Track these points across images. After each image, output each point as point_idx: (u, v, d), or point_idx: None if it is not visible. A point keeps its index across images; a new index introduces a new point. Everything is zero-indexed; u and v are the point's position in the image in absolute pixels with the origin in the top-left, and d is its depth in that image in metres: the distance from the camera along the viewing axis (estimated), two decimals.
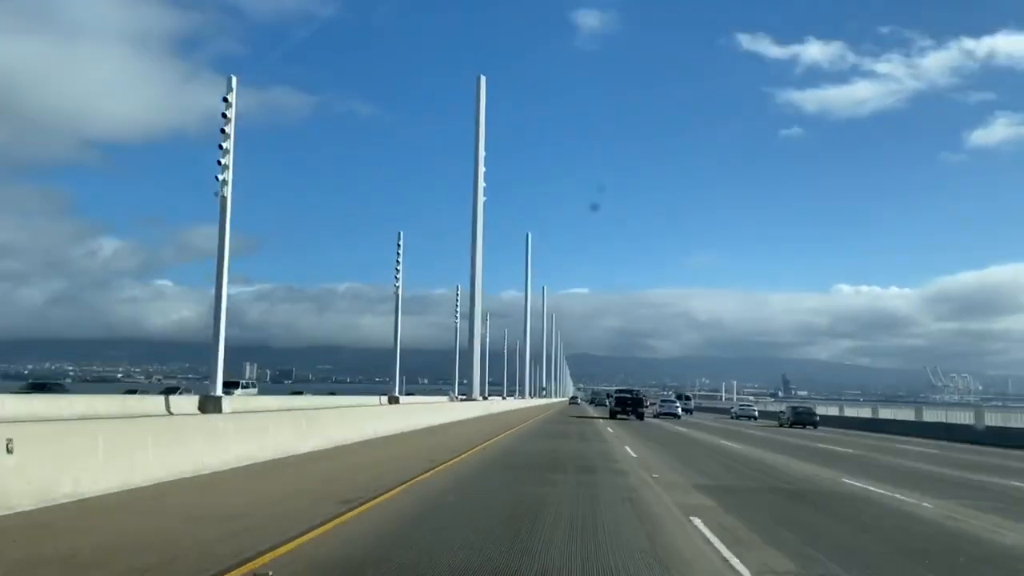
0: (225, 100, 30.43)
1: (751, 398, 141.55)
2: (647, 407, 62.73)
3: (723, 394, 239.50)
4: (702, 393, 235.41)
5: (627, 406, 54.41)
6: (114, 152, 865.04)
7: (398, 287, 54.66)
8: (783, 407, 66.81)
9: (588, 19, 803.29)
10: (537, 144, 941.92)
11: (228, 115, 30.47)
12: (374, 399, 51.76)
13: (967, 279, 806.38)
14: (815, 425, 53.09)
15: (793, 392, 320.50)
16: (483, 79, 54.69)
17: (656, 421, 55.00)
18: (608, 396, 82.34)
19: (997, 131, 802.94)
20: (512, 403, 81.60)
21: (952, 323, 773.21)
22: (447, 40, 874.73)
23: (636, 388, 69.94)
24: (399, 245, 52.38)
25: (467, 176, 53.31)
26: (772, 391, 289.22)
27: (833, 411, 68.03)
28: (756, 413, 79.54)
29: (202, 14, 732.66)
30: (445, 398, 64.20)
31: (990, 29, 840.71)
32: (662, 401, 77.08)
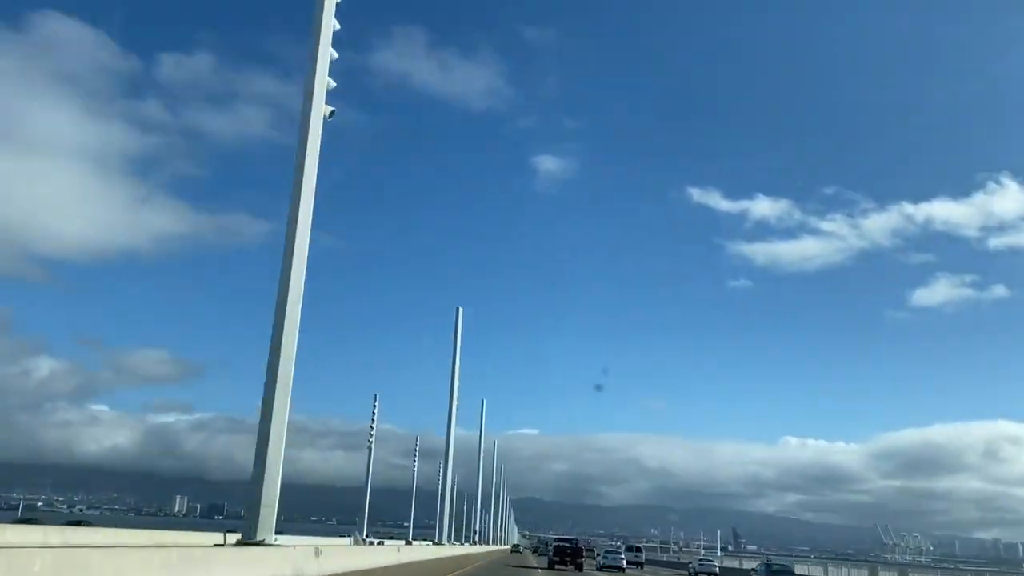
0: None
1: (713, 553, 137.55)
2: (587, 557, 61.72)
3: (672, 545, 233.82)
4: (651, 544, 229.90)
5: (566, 556, 52.49)
6: (60, 270, 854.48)
7: (371, 441, 53.88)
8: (756, 564, 58.85)
9: (547, 164, 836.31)
10: (479, 286, 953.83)
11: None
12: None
13: (911, 436, 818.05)
14: None
15: (743, 546, 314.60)
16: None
17: (599, 574, 55.14)
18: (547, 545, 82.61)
19: (939, 291, 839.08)
20: (421, 552, 71.07)
21: (896, 480, 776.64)
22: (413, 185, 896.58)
23: (575, 538, 77.33)
24: (374, 407, 52.01)
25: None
26: (723, 545, 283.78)
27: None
28: (717, 569, 73.68)
29: (164, 136, 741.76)
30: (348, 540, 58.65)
31: (927, 196, 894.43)
32: (606, 552, 74.86)
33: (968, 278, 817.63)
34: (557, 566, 51.77)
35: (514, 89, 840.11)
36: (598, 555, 76.75)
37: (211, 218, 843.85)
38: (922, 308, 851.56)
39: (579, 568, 52.02)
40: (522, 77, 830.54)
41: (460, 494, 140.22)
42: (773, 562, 57.27)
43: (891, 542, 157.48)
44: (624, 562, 66.20)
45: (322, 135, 24.70)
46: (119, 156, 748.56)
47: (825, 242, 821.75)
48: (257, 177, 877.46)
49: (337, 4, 25.08)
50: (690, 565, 78.66)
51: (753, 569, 56.59)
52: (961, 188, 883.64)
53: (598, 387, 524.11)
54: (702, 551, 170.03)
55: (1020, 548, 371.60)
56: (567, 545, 55.37)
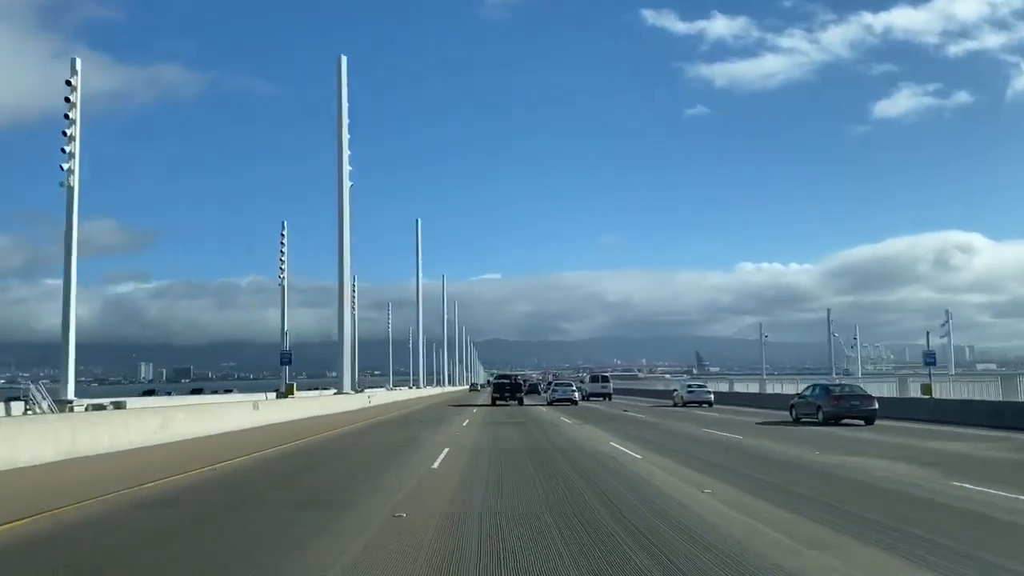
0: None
1: (679, 378, 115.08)
2: (526, 392, 61.59)
3: (638, 372, 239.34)
4: (617, 373, 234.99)
5: (506, 392, 55.03)
6: None
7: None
8: (802, 389, 35.92)
9: None
10: (441, 124, 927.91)
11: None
12: (259, 396, 49.05)
13: (864, 252, 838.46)
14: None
15: (707, 369, 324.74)
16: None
17: (545, 412, 43.28)
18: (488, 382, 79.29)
19: (901, 101, 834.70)
20: (394, 395, 74.37)
21: (849, 296, 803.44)
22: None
23: (515, 374, 69.34)
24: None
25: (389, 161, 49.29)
26: (687, 368, 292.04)
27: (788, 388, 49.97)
28: (713, 398, 51.52)
29: None
30: (330, 392, 58.33)
31: (887, 3, 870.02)
32: (555, 384, 64.89)
33: (931, 87, 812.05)
34: (498, 402, 54.17)
35: None
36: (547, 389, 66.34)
37: (139, 70, 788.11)
38: (884, 120, 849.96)
39: (520, 403, 54.05)
40: None
41: (428, 342, 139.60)
42: (834, 384, 37.04)
43: (854, 354, 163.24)
44: (578, 395, 57.51)
45: None
46: (26, 6, 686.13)
47: (786, 58, 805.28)
48: (182, 19, 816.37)
49: None
50: (676, 394, 54.46)
51: (800, 395, 34.80)
52: None
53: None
54: (668, 375, 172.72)
55: (966, 351, 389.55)
56: (506, 382, 57.17)
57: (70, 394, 28.27)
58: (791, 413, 33.29)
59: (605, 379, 69.79)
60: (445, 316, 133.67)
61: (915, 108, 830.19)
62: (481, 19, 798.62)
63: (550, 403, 54.96)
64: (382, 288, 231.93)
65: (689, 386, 55.84)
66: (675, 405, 51.59)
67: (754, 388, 61.31)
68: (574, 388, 59.44)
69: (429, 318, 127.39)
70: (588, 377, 74.77)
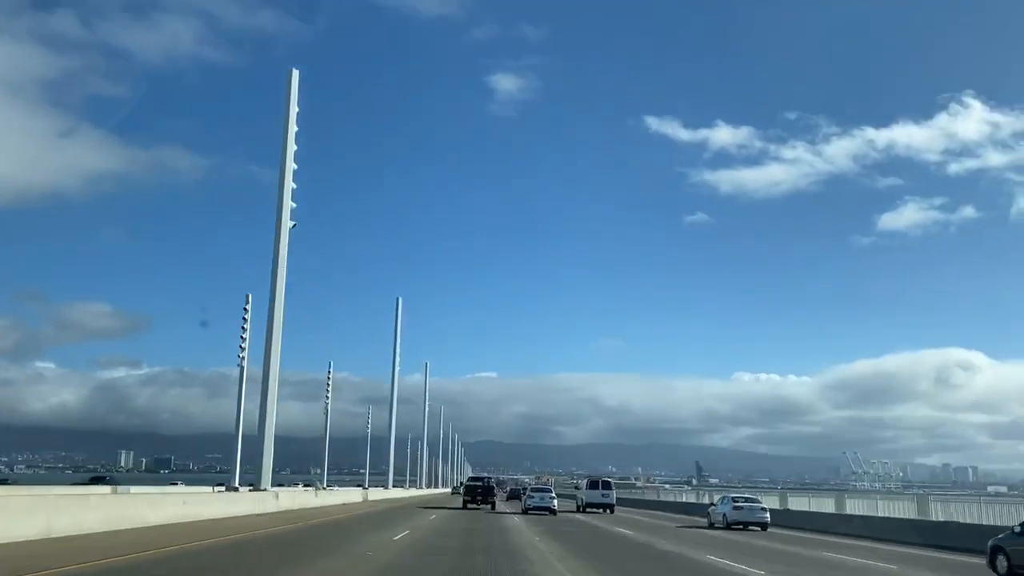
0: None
1: (680, 488, 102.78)
2: (508, 497, 62.27)
3: (635, 481, 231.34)
4: (614, 481, 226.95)
5: (477, 495, 53.13)
6: None
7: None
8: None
9: (505, 83, 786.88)
10: (440, 219, 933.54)
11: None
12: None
13: (863, 367, 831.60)
14: None
15: (707, 480, 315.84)
16: (295, 73, 43.16)
17: (519, 524, 36.31)
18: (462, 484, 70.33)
19: (907, 214, 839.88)
20: (333, 497, 57.88)
21: (847, 411, 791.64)
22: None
23: (488, 476, 65.99)
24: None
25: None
26: (686, 478, 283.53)
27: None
28: (768, 517, 38.63)
29: (81, 57, 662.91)
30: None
31: (889, 119, 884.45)
32: (531, 491, 57.19)
33: (937, 200, 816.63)
34: (470, 505, 52.13)
35: None
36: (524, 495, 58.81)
37: (143, 152, 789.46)
38: (889, 232, 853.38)
39: (492, 507, 52.71)
40: None
41: (414, 440, 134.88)
42: (739, 496, 41.25)
43: (860, 470, 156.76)
44: (555, 502, 49.58)
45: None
46: (34, 82, 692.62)
47: (791, 167, 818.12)
48: (189, 103, 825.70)
49: None
50: (713, 511, 41.92)
51: (712, 504, 42.87)
52: (923, 111, 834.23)
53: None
54: (667, 485, 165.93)
55: (970, 472, 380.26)
56: (479, 484, 55.42)
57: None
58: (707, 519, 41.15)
59: (607, 486, 56.32)
60: (427, 405, 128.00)
61: (920, 221, 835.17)
62: (490, 115, 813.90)
63: (525, 511, 48.40)
64: (374, 383, 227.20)
65: (736, 501, 39.83)
66: (711, 526, 40.18)
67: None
68: (553, 495, 51.90)
69: (419, 417, 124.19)
70: (586, 483, 60.46)
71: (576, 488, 67.99)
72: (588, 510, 54.60)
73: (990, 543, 20.95)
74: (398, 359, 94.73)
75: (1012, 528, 21.16)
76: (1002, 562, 20.08)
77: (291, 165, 38.97)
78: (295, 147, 39.19)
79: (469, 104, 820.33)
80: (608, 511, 54.00)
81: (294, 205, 38.62)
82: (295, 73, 41.22)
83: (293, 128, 39.97)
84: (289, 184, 38.37)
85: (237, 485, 47.26)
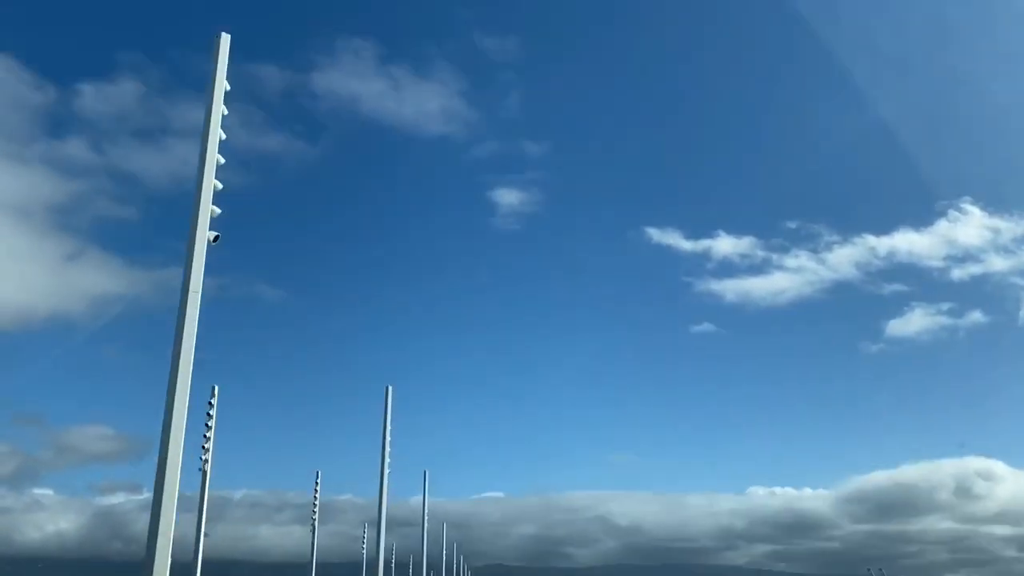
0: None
1: None
2: None
3: None
4: None
5: None
6: None
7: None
8: None
9: (507, 197, 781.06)
10: (444, 340, 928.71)
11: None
12: None
13: (880, 478, 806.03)
14: None
15: None
16: (390, 390, 50.10)
17: None
18: None
19: (915, 320, 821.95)
20: None
21: (867, 525, 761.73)
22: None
23: None
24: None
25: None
26: None
27: None
28: None
29: (90, 180, 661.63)
30: None
31: (889, 227, 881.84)
32: None
33: (944, 306, 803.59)
34: None
35: (473, 109, 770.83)
36: None
37: (147, 274, 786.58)
38: (897, 338, 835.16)
39: None
40: (481, 94, 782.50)
41: (417, 564, 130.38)
42: None
43: None
44: None
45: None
46: (42, 206, 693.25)
47: (796, 276, 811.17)
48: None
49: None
50: None
51: None
52: (922, 218, 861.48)
53: None
54: None
55: None
56: None
57: None
58: None
59: None
60: (426, 524, 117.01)
61: (929, 327, 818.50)
62: (494, 230, 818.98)
63: None
64: (371, 504, 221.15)
65: None
66: None
67: None
68: None
69: (427, 539, 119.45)
70: None
71: None
72: None
73: None
74: (387, 453, 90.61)
75: None
76: None
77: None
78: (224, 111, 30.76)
79: (471, 218, 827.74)
80: None
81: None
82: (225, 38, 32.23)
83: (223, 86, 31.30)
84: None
85: None
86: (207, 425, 50.79)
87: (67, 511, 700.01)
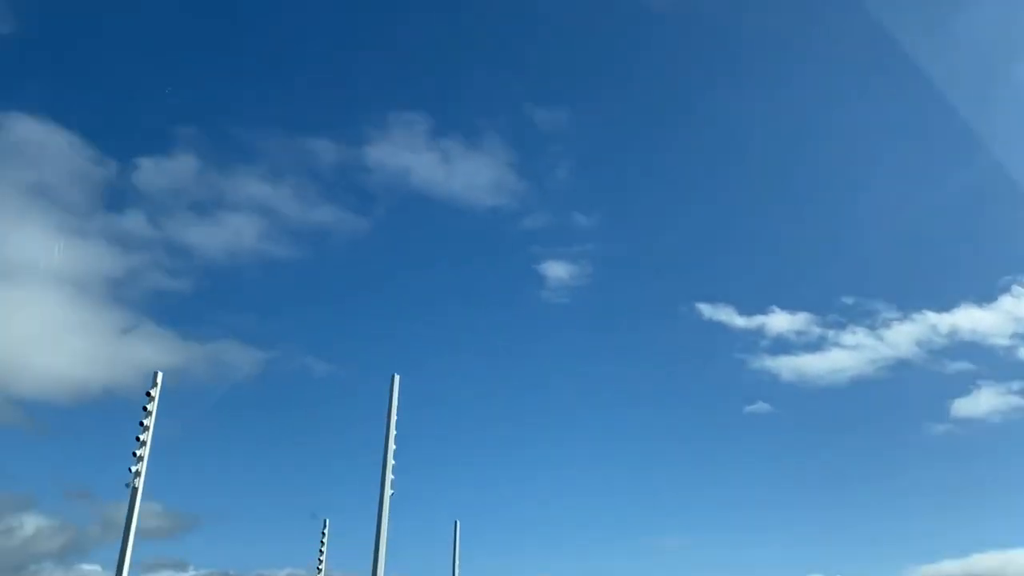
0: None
1: None
2: None
3: None
4: None
5: None
6: (41, 413, 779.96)
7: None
8: None
9: (556, 270, 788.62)
10: (488, 416, 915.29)
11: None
12: None
13: (949, 568, 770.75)
14: None
15: None
16: (397, 379, 49.51)
17: None
18: None
19: (983, 400, 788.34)
20: None
21: None
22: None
23: None
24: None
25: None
26: None
27: None
28: None
29: (146, 254, 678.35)
30: None
31: (950, 303, 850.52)
32: None
33: (1015, 385, 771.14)
34: None
35: (522, 181, 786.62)
36: None
37: (200, 347, 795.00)
38: (964, 419, 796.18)
39: None
40: (531, 165, 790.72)
41: None
42: None
43: None
44: None
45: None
46: (99, 279, 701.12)
47: (854, 353, 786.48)
48: (245, 296, 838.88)
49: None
50: None
51: None
52: (985, 293, 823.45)
53: None
54: None
55: None
56: None
57: None
58: None
59: None
60: None
61: (999, 407, 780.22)
62: (542, 301, 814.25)
63: None
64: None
65: None
66: None
67: None
68: None
69: None
70: None
71: None
72: None
73: None
74: (390, 458, 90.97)
75: None
76: None
77: (391, 461, 41.02)
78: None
79: (520, 291, 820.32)
80: None
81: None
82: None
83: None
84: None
85: None
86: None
87: None
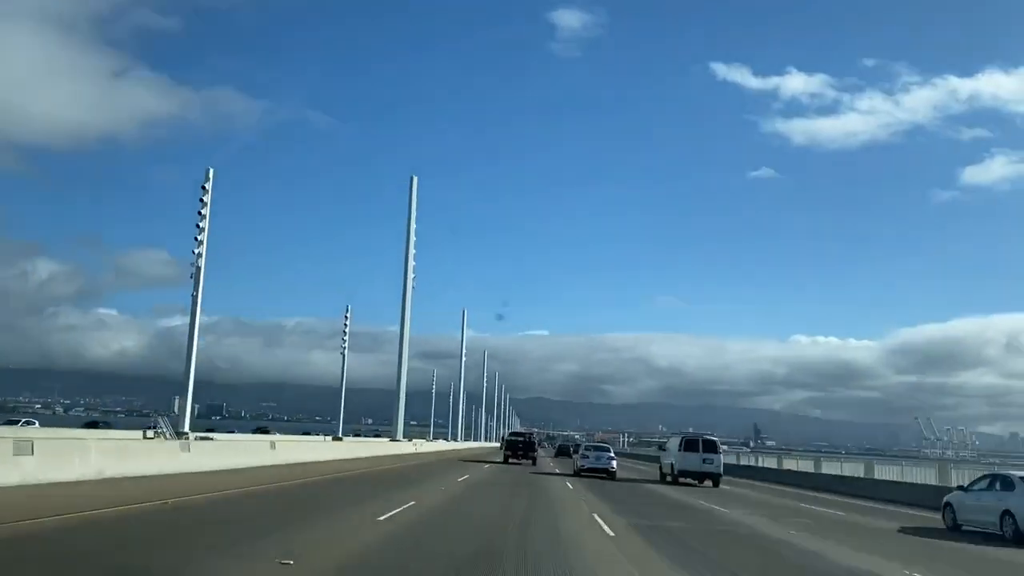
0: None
1: (737, 448, 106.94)
2: (557, 454, 74.21)
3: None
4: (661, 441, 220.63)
5: (519, 451, 54.62)
6: (41, 159, 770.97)
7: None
8: None
9: (568, 19, 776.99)
10: (499, 171, 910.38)
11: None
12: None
13: (930, 331, 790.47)
14: None
15: (764, 442, 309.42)
16: (415, 179, 59.07)
17: (562, 489, 30.62)
18: (505, 439, 67.75)
19: (994, 168, 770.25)
20: (434, 445, 79.10)
21: (911, 376, 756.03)
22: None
23: (530, 432, 74.52)
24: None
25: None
26: (742, 440, 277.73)
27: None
28: None
29: None
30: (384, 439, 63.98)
31: (975, 68, 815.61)
32: (587, 448, 49.24)
33: None
34: (511, 460, 53.46)
35: None
36: (576, 454, 51.83)
37: (195, 93, 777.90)
38: (973, 186, 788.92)
39: (533, 462, 53.62)
40: None
41: (456, 392, 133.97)
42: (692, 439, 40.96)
43: (933, 436, 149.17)
44: (614, 463, 42.94)
45: None
46: (84, 17, 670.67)
47: (869, 117, 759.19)
48: (240, 38, 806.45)
49: None
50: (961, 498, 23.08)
51: (662, 451, 48.97)
52: (1012, 58, 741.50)
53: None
54: (725, 447, 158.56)
55: None
56: (520, 440, 57.35)
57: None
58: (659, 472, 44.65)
59: (710, 447, 39.64)
60: (486, 368, 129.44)
61: (1009, 176, 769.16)
62: (551, 54, 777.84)
63: (577, 472, 42.32)
64: (427, 339, 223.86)
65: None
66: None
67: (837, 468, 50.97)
68: (612, 455, 43.92)
69: (472, 372, 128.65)
70: (678, 443, 41.31)
71: (661, 449, 50.75)
72: (682, 480, 40.33)
73: (944, 499, 23.64)
74: (465, 338, 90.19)
75: (959, 485, 25.10)
76: (949, 514, 22.89)
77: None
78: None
79: (530, 41, 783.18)
80: (712, 483, 39.16)
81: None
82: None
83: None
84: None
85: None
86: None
87: (129, 331, 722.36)
